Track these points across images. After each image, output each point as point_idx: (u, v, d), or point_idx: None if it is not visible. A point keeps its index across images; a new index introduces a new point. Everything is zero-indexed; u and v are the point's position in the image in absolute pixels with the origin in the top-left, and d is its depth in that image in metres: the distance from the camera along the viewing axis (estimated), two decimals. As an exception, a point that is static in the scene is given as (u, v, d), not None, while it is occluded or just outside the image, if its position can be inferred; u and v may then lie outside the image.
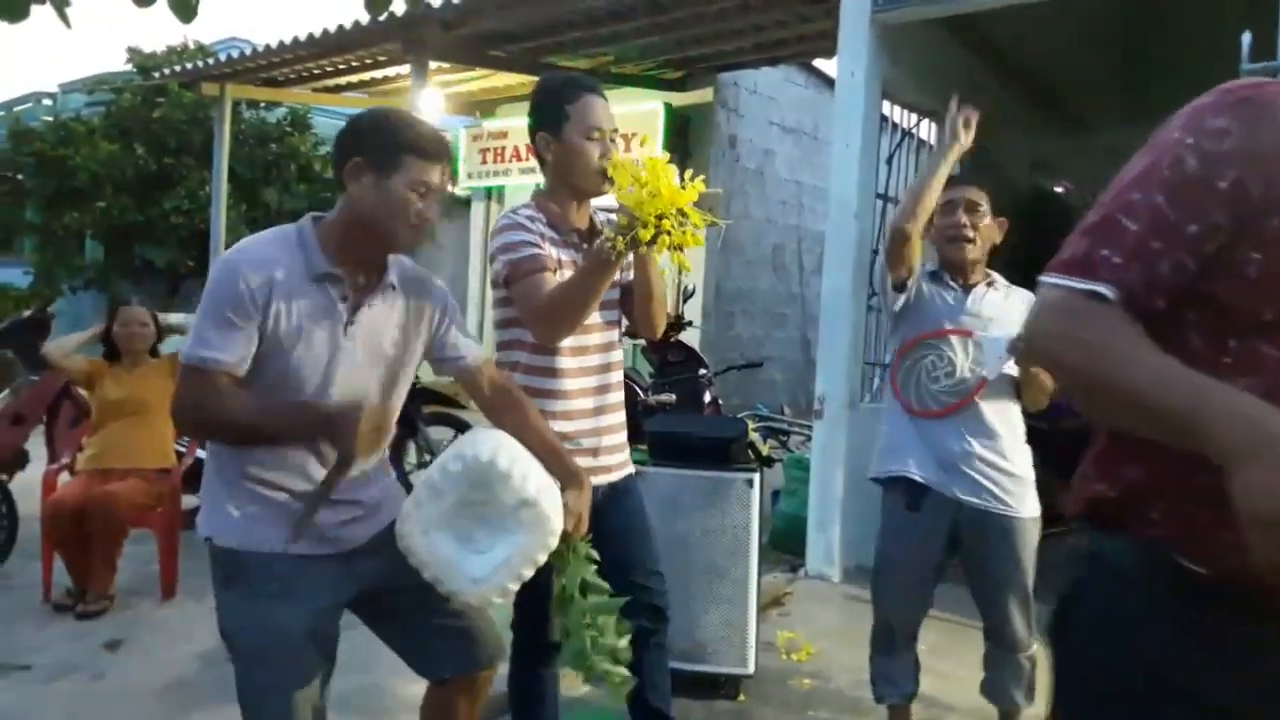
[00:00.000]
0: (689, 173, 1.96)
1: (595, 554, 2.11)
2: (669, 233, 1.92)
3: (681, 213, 1.91)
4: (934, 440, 2.69)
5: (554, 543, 1.94)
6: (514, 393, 2.17)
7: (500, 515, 1.90)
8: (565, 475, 2.07)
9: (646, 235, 1.91)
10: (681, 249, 1.96)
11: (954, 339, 2.69)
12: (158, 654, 3.65)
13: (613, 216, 2.16)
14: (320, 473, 1.91)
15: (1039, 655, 2.72)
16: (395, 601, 2.05)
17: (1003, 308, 2.71)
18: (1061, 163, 7.63)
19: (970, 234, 2.70)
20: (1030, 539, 2.70)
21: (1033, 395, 2.67)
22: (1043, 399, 2.67)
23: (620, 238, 1.95)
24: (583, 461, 2.22)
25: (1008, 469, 2.67)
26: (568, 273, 2.23)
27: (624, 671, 2.05)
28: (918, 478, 2.68)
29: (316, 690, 1.95)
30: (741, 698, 3.36)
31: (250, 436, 1.88)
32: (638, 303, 2.33)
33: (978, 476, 2.65)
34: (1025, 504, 2.69)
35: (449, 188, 2.02)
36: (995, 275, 2.81)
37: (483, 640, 2.13)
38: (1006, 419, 2.70)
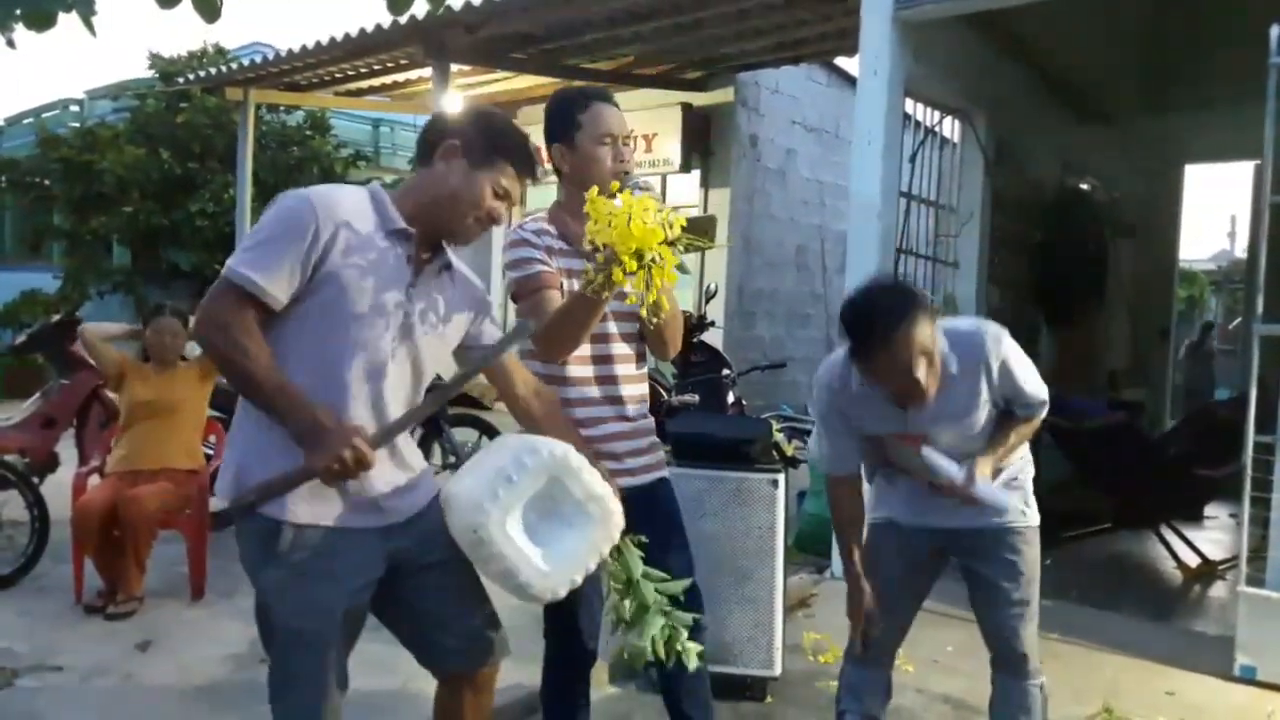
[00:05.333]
0: (665, 212, 1.92)
1: (643, 540, 2.12)
2: (649, 269, 1.90)
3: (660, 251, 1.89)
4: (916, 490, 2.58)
5: (617, 536, 1.98)
6: (548, 395, 2.21)
7: (565, 510, 1.92)
8: None
9: (620, 275, 1.90)
10: (660, 286, 1.94)
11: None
12: (187, 654, 3.68)
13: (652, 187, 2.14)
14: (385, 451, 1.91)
15: (1049, 689, 2.53)
16: (409, 586, 2.03)
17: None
18: (1089, 158, 7.55)
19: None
20: (1025, 545, 2.49)
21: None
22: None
23: (599, 275, 1.95)
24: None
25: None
26: (577, 284, 2.20)
27: (699, 647, 2.07)
28: (898, 520, 2.64)
29: (344, 672, 1.96)
30: (768, 699, 3.36)
31: (251, 394, 1.82)
32: (646, 330, 2.33)
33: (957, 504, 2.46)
34: (1019, 512, 2.51)
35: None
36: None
37: (485, 638, 2.11)
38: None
